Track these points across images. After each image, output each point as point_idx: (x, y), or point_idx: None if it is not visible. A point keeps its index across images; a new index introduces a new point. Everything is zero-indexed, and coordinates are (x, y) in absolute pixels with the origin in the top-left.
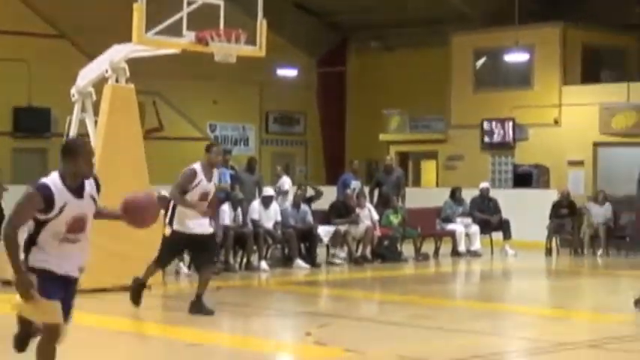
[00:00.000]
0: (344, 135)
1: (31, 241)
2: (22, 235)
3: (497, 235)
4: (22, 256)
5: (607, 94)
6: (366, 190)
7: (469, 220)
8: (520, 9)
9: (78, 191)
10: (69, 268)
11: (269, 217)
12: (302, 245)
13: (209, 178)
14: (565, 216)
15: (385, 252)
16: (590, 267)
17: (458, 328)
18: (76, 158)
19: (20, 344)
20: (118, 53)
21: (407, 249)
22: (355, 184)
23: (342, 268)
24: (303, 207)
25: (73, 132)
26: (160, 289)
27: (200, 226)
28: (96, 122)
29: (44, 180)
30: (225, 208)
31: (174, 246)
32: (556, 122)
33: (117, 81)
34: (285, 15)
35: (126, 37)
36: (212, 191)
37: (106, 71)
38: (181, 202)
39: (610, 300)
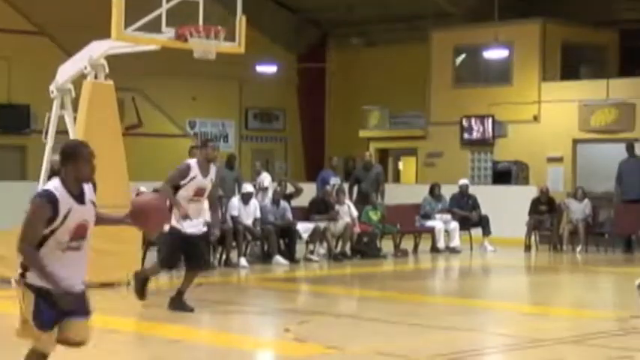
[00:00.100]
0: (324, 131)
1: None
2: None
3: (477, 232)
4: (19, 270)
5: (586, 90)
6: (346, 186)
7: (448, 216)
8: (500, 5)
9: (80, 197)
10: (73, 281)
11: (248, 213)
12: (281, 242)
13: (205, 174)
14: (544, 212)
15: (364, 248)
16: (569, 263)
17: (437, 325)
18: (77, 162)
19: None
20: (97, 50)
21: (386, 245)
22: (334, 180)
23: (321, 265)
24: (283, 203)
25: (52, 129)
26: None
27: (192, 226)
28: (75, 119)
29: (46, 187)
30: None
31: (174, 244)
32: (535, 119)
33: (96, 77)
34: (265, 11)
35: (105, 34)
36: (209, 187)
37: (85, 68)
38: (168, 196)
39: (589, 296)
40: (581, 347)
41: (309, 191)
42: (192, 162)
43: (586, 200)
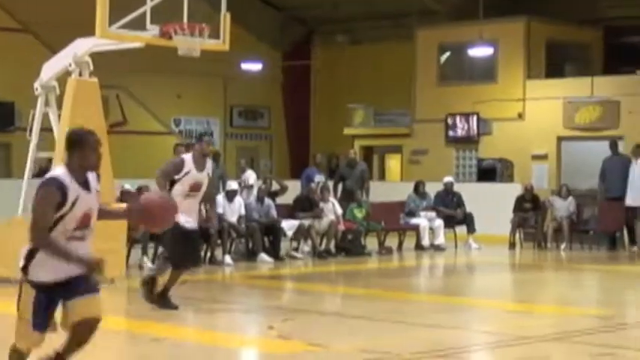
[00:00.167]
0: (309, 129)
1: (33, 252)
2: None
3: (462, 229)
4: (22, 263)
5: (571, 88)
6: (331, 184)
7: (433, 214)
8: (484, 4)
9: (86, 184)
10: (75, 271)
11: (233, 211)
12: (266, 239)
13: (200, 169)
14: (529, 210)
15: (349, 246)
16: (553, 260)
17: (421, 322)
18: (83, 149)
19: None
20: (81, 47)
21: (371, 243)
22: (319, 178)
23: (305, 262)
24: (267, 201)
25: (36, 126)
26: (124, 283)
27: (187, 222)
28: (59, 116)
29: (52, 174)
30: None
31: (177, 239)
32: (520, 116)
33: (80, 75)
34: (250, 9)
35: (89, 31)
36: (205, 181)
37: (70, 65)
38: (161, 189)
39: (573, 293)
40: (565, 344)
41: (293, 189)
42: (187, 157)
43: (570, 198)
